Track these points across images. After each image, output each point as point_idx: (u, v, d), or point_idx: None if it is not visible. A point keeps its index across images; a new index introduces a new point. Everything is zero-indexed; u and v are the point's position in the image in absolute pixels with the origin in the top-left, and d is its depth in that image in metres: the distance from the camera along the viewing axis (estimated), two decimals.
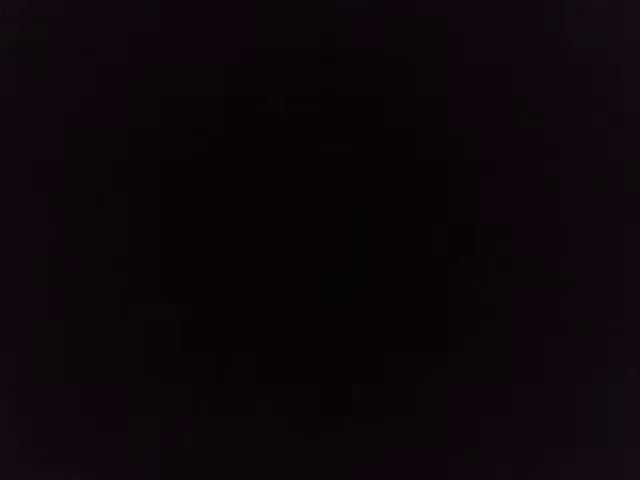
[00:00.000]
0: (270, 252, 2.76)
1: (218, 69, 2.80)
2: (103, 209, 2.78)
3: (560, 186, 2.77)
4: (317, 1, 2.80)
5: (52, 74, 2.80)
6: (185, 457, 2.73)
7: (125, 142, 2.79)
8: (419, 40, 2.79)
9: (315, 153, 2.77)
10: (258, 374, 2.74)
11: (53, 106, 2.80)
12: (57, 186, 2.78)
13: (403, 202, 2.76)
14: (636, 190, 2.76)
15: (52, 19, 2.81)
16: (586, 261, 2.75)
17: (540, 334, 2.73)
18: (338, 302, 2.74)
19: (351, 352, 2.74)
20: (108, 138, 2.79)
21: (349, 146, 2.77)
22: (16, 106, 2.80)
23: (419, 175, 2.76)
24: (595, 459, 2.72)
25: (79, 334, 2.75)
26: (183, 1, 2.80)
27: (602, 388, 2.72)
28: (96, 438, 2.73)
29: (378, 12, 2.79)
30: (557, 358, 2.73)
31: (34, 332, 2.75)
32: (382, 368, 2.73)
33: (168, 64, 2.80)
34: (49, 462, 2.74)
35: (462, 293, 2.74)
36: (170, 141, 2.79)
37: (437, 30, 2.79)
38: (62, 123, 2.80)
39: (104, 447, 2.73)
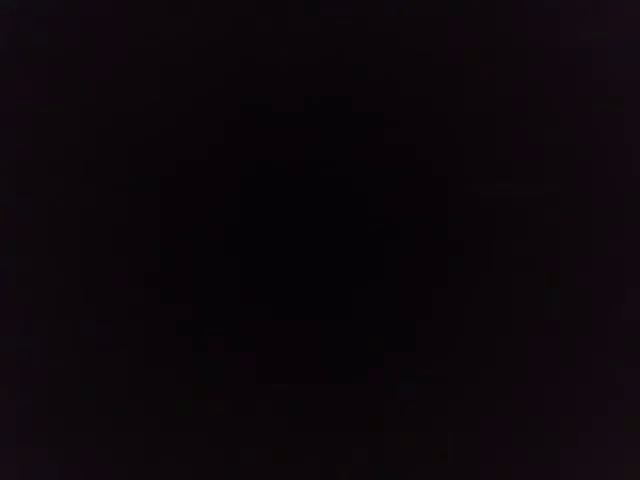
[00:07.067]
0: (269, 254, 2.77)
1: (217, 69, 2.81)
2: (103, 209, 2.78)
3: (560, 186, 2.77)
4: (317, 1, 2.80)
5: (52, 74, 2.81)
6: (183, 456, 2.73)
7: (125, 143, 2.79)
8: (419, 40, 2.79)
9: (316, 156, 2.78)
10: (258, 373, 2.74)
11: (53, 106, 2.80)
12: (56, 186, 2.79)
13: (403, 202, 2.77)
14: (636, 190, 2.76)
15: (53, 19, 2.81)
16: (586, 261, 2.75)
17: (540, 334, 2.73)
18: (338, 303, 2.75)
19: (350, 352, 2.74)
20: (108, 138, 2.79)
21: (349, 148, 2.78)
22: (16, 106, 2.80)
23: (419, 175, 2.77)
24: (595, 459, 2.72)
25: (78, 334, 2.75)
26: (183, 5, 2.81)
27: (602, 387, 2.72)
28: (95, 438, 2.74)
29: (378, 12, 2.80)
30: (557, 358, 2.73)
31: (34, 332, 2.76)
32: (382, 368, 2.73)
33: (168, 65, 2.80)
34: (49, 461, 2.74)
35: (462, 293, 2.74)
36: (170, 143, 2.79)
37: (437, 32, 2.80)
38: (62, 123, 2.80)
39: (103, 446, 2.73)
